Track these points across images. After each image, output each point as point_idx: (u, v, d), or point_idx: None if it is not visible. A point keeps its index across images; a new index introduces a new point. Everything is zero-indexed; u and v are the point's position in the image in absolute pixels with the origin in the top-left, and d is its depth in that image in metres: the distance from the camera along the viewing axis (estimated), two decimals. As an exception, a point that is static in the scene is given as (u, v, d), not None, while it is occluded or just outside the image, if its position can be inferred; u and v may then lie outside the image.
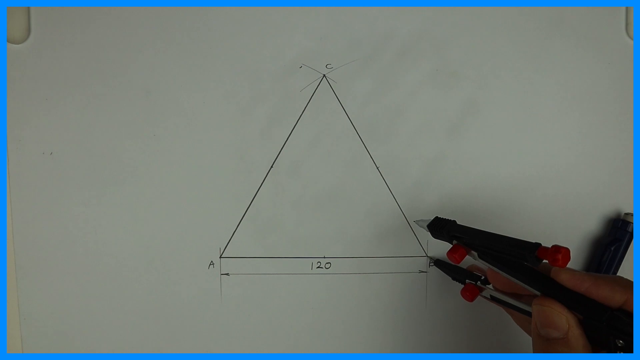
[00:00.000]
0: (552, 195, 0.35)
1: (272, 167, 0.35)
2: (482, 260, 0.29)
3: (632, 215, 0.35)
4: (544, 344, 0.26)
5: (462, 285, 0.32)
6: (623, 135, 0.36)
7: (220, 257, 0.35)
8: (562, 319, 0.25)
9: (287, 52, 0.34)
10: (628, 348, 0.24)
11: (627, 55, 0.36)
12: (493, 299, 0.30)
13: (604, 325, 0.24)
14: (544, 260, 0.25)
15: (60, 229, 0.34)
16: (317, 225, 0.35)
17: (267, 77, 0.34)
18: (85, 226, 0.34)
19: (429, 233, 0.32)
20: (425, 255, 0.36)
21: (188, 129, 0.34)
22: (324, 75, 0.35)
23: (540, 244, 0.25)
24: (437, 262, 0.35)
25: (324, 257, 0.35)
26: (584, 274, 0.25)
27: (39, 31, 0.33)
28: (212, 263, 0.35)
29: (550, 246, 0.25)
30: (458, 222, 0.31)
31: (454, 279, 0.33)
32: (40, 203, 0.34)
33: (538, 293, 0.27)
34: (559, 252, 0.24)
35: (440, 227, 0.31)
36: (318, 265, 0.35)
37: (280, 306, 0.35)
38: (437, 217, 0.32)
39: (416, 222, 0.33)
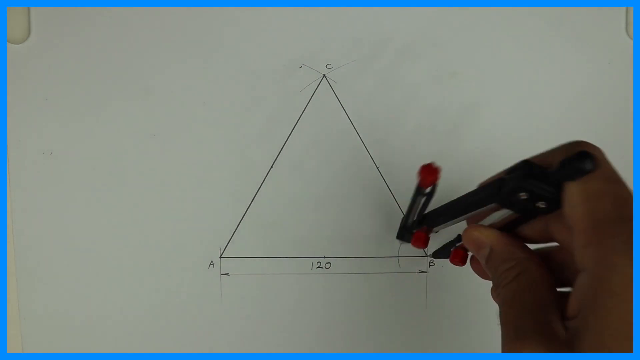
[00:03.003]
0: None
1: (272, 167, 0.35)
2: (441, 225, 0.30)
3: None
4: (495, 278, 0.25)
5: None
6: (623, 135, 0.36)
7: (220, 257, 0.35)
8: (481, 232, 0.25)
9: (287, 52, 0.34)
10: (550, 206, 0.22)
11: (627, 55, 0.36)
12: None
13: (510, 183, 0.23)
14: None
15: (60, 229, 0.34)
16: (317, 225, 0.35)
17: (267, 77, 0.34)
18: (85, 226, 0.34)
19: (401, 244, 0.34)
20: (425, 255, 0.36)
21: (188, 129, 0.34)
22: (324, 75, 0.35)
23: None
24: (434, 254, 0.35)
25: (324, 257, 0.35)
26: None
27: (39, 31, 0.33)
28: (212, 263, 0.35)
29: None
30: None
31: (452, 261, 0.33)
32: (40, 203, 0.34)
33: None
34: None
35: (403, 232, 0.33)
36: (318, 265, 0.35)
37: (280, 306, 0.35)
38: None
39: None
